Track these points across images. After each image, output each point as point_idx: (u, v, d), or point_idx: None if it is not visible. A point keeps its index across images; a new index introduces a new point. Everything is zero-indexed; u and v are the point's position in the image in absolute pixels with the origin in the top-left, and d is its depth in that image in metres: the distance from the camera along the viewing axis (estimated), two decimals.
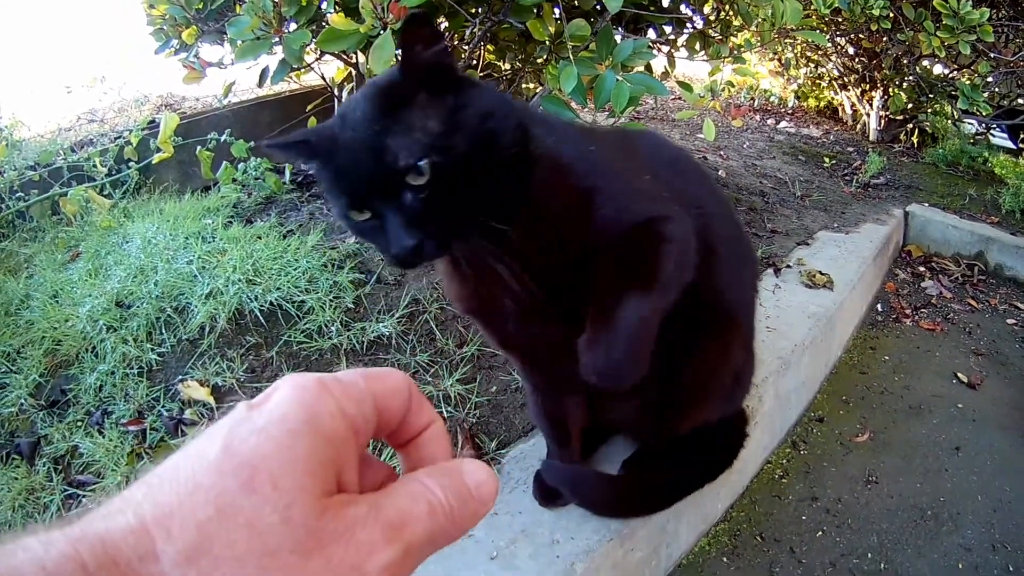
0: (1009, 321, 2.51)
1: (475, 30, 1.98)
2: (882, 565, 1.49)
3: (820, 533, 1.54)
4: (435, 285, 1.74)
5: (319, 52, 2.21)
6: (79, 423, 1.61)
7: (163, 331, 1.69)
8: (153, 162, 2.33)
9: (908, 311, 2.48)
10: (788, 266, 2.17)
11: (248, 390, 1.51)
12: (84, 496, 1.43)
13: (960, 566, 1.51)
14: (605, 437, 1.35)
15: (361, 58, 2.27)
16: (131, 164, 2.58)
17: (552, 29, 2.00)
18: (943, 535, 1.58)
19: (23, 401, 1.71)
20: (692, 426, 1.18)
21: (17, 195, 2.60)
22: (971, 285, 2.73)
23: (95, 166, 2.64)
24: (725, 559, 1.43)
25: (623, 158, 1.01)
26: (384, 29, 1.65)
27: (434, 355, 1.57)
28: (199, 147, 2.41)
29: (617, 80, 1.73)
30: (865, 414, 1.94)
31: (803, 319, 1.85)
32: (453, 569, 1.08)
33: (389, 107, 0.75)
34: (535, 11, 1.91)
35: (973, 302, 2.60)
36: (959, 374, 2.16)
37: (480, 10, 2.00)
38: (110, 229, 2.27)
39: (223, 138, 2.35)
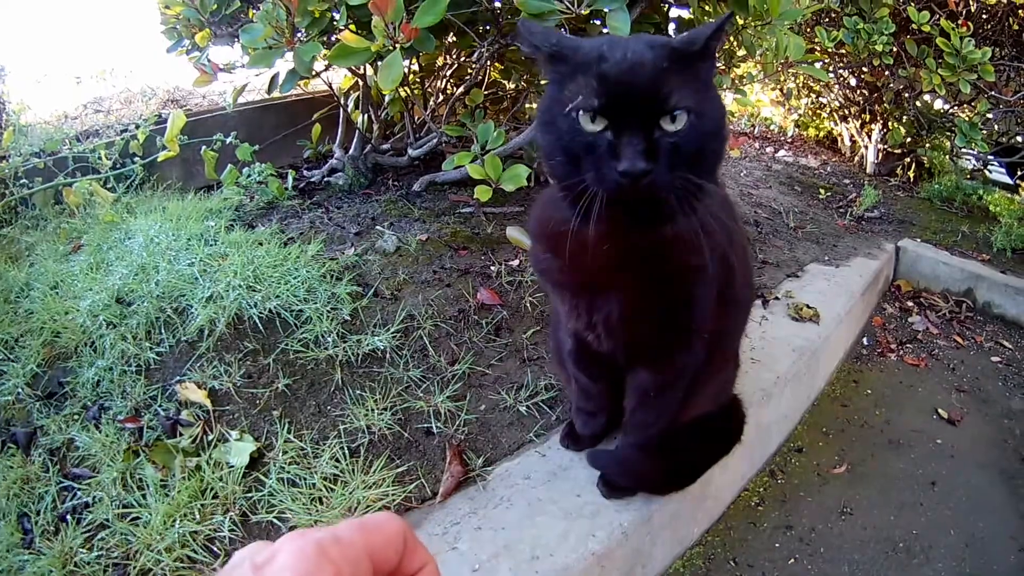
0: (994, 359, 2.57)
1: (483, 51, 2.05)
2: None
3: (792, 561, 1.60)
4: (430, 302, 1.80)
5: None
6: (76, 416, 1.66)
7: (162, 331, 1.74)
8: (159, 160, 2.39)
9: (893, 346, 2.55)
10: (776, 298, 2.24)
11: (244, 395, 1.56)
12: (79, 489, 1.47)
13: None
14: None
15: (369, 70, 2.34)
16: (136, 159, 2.64)
17: None
18: (914, 567, 1.64)
19: (20, 390, 1.76)
20: (691, 417, 1.36)
21: (21, 182, 2.64)
22: (958, 322, 2.80)
23: (100, 158, 2.70)
24: None
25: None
26: (395, 47, 1.72)
27: (426, 371, 1.64)
28: (204, 147, 2.47)
29: None
30: (844, 446, 2.01)
31: (787, 352, 1.92)
32: None
33: (676, 61, 0.87)
34: None
35: (959, 339, 2.67)
36: (940, 410, 2.23)
37: (488, 29, 2.08)
38: (113, 223, 2.33)
39: (228, 140, 2.42)
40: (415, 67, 2.51)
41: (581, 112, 0.87)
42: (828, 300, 2.29)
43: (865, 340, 2.56)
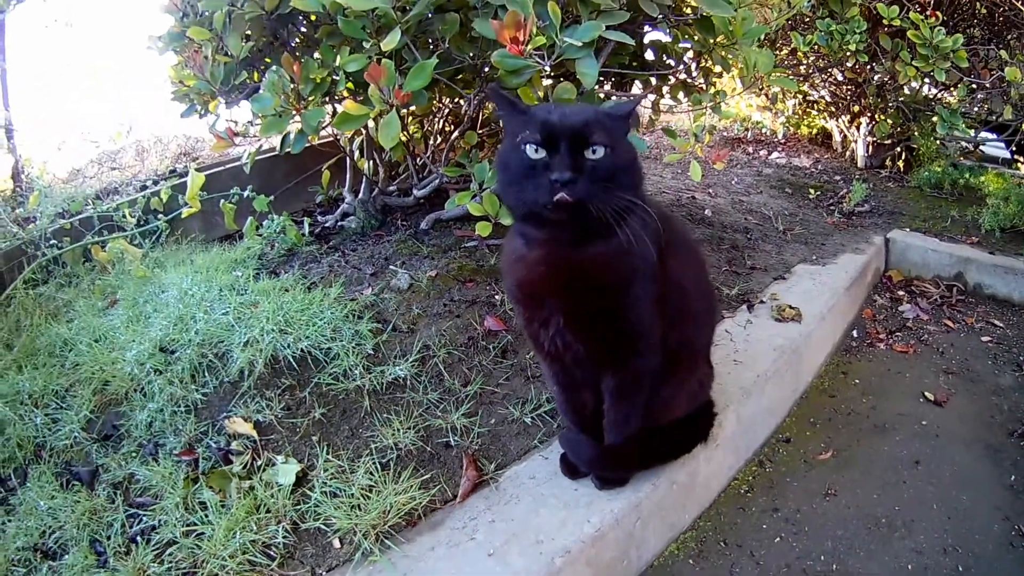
0: (984, 339, 2.82)
1: (472, 98, 2.38)
2: (834, 567, 1.79)
3: (778, 539, 1.88)
4: (442, 332, 2.15)
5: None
6: (133, 454, 1.95)
7: (206, 374, 2.07)
8: (182, 216, 2.75)
9: (883, 335, 2.83)
10: (762, 302, 2.54)
11: (286, 425, 1.90)
12: (144, 515, 1.75)
13: (910, 567, 1.79)
14: None
15: (371, 123, 2.68)
16: (159, 216, 3.00)
17: (541, 93, 2.38)
18: (895, 540, 1.87)
19: (76, 434, 2.04)
20: (670, 420, 1.71)
21: (51, 243, 2.99)
22: (949, 306, 3.06)
23: (124, 216, 3.06)
24: (691, 561, 1.79)
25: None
26: (391, 109, 2.05)
27: (443, 393, 1.98)
28: (222, 200, 2.83)
29: None
30: (831, 434, 2.27)
31: (768, 351, 2.23)
32: (458, 565, 1.47)
33: (602, 119, 1.31)
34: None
35: (949, 322, 2.93)
36: (927, 393, 2.46)
37: (474, 80, 2.41)
38: (145, 279, 2.68)
39: (246, 193, 2.77)
40: (413, 111, 2.85)
41: (527, 144, 1.26)
42: (811, 299, 2.58)
43: (855, 333, 2.83)
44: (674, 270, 1.51)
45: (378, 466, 1.76)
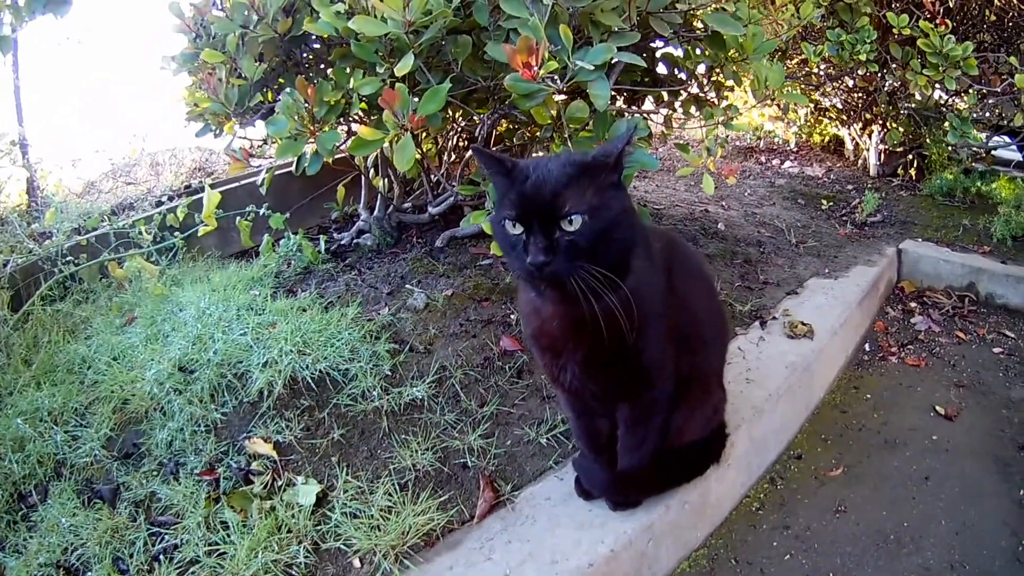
0: (996, 350, 2.86)
1: (486, 119, 2.44)
2: None
3: (788, 556, 1.93)
4: (458, 353, 2.22)
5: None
6: (154, 472, 2.01)
7: (225, 394, 2.14)
8: (199, 234, 2.83)
9: (895, 348, 2.87)
10: (774, 318, 2.59)
11: (305, 445, 1.97)
12: (166, 534, 1.81)
13: None
14: None
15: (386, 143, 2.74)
16: (175, 232, 3.06)
17: (554, 112, 2.43)
18: (903, 556, 1.92)
19: (96, 452, 2.10)
20: (683, 443, 1.75)
21: (68, 259, 3.03)
22: (961, 317, 3.10)
23: (140, 233, 3.12)
24: None
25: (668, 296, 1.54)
26: (405, 132, 2.10)
27: (460, 414, 2.05)
28: (238, 217, 2.91)
29: None
30: (841, 450, 2.31)
31: (780, 369, 2.28)
32: None
33: (582, 174, 1.28)
34: None
35: (961, 334, 2.97)
36: (937, 407, 2.50)
37: (488, 101, 2.47)
38: (163, 296, 2.75)
39: (262, 211, 2.84)
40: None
41: (506, 220, 1.29)
42: (824, 314, 2.63)
43: (867, 346, 2.88)
44: (683, 297, 1.57)
45: (397, 487, 1.82)
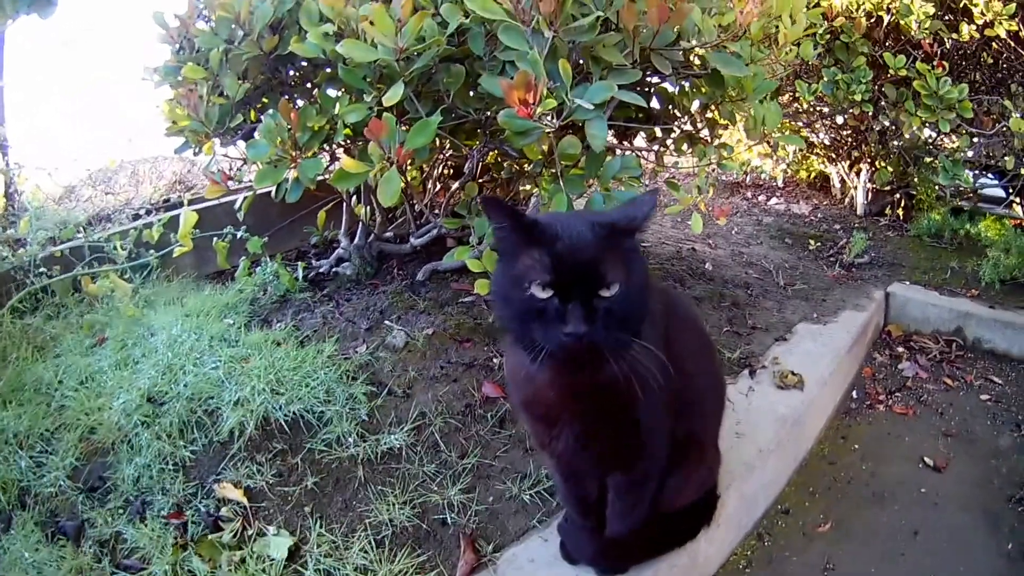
0: (983, 397, 2.84)
1: (475, 153, 2.37)
2: None
3: None
4: (439, 398, 2.12)
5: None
6: (120, 510, 1.91)
7: (194, 431, 2.03)
8: (175, 255, 2.72)
9: (882, 396, 2.84)
10: (763, 366, 2.53)
11: (277, 493, 1.87)
12: None
13: None
14: None
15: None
16: (151, 249, 2.95)
17: (545, 147, 2.37)
18: None
19: (61, 482, 2.00)
20: (679, 506, 1.69)
21: (40, 271, 2.89)
22: (948, 362, 3.07)
23: (116, 248, 3.01)
24: None
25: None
26: (391, 166, 2.01)
27: (439, 466, 1.95)
28: (216, 239, 2.80)
29: (604, 203, 2.13)
30: (830, 503, 2.27)
31: (771, 422, 2.22)
32: None
33: (613, 236, 1.21)
34: None
35: (949, 380, 2.95)
36: (926, 458, 2.47)
37: (478, 133, 2.39)
38: (134, 318, 2.64)
39: (239, 234, 2.74)
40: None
41: (535, 284, 1.18)
42: (813, 362, 2.58)
43: (855, 394, 2.84)
44: (680, 359, 1.48)
45: (373, 543, 1.73)
